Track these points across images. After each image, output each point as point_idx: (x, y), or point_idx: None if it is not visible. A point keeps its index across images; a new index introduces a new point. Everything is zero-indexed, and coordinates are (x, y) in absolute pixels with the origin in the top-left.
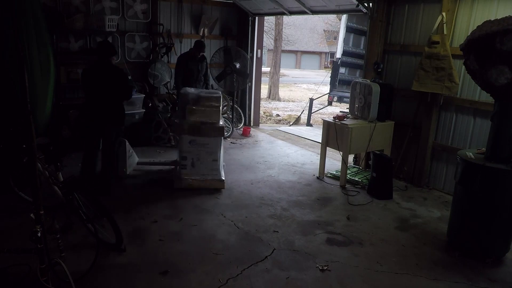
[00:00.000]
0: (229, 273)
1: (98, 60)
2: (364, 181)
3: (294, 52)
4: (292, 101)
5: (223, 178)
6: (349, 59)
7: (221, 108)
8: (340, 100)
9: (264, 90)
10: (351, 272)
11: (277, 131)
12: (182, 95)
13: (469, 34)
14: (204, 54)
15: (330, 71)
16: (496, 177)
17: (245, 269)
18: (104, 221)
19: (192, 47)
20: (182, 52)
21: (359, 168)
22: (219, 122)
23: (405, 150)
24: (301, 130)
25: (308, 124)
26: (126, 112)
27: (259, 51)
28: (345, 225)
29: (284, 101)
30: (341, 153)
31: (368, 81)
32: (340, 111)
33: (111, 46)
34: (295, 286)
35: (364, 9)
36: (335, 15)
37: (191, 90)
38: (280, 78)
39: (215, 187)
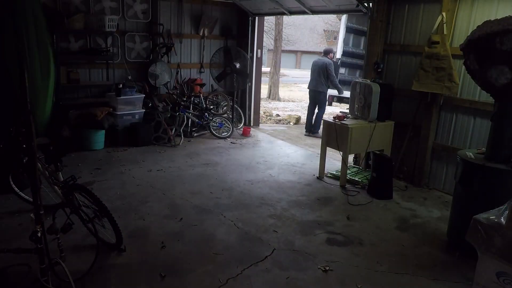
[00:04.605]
0: (229, 273)
1: None
2: (364, 181)
3: (294, 52)
4: (292, 101)
5: None
6: (349, 59)
7: None
8: (340, 100)
9: (264, 90)
10: (351, 272)
11: (276, 131)
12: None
13: (469, 34)
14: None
15: None
16: (496, 177)
17: (245, 269)
18: (104, 221)
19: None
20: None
21: (359, 168)
22: None
23: (405, 150)
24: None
25: None
26: (125, 112)
27: (259, 51)
28: (345, 225)
29: (284, 101)
30: (341, 153)
31: (368, 81)
32: (340, 111)
33: None
34: (295, 286)
35: (364, 9)
36: (335, 15)
37: None
38: (280, 78)
39: None
